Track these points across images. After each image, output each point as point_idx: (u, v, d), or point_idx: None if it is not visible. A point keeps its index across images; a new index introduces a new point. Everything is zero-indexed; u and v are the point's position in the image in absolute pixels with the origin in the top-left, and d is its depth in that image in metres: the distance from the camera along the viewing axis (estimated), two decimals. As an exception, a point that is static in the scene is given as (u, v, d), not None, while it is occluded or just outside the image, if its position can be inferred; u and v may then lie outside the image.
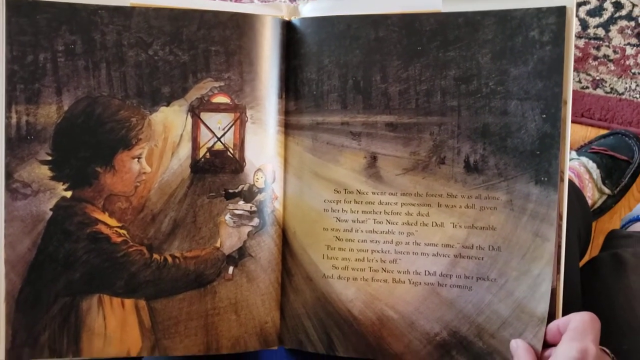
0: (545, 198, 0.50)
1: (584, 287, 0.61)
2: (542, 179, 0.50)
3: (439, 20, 0.51)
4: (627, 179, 1.01)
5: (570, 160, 1.00)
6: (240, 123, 0.53)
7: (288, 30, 0.54)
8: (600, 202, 1.01)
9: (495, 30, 0.50)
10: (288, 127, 0.54)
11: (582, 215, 0.68)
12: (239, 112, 0.53)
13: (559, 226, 0.49)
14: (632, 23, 1.05)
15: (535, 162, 0.50)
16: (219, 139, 0.53)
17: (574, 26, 0.49)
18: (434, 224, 0.52)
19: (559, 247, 0.50)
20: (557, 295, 0.50)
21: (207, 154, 0.53)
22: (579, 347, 0.43)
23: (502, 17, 0.50)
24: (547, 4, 0.49)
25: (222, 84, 0.52)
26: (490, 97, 0.50)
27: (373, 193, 0.53)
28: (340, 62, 0.53)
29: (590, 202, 0.99)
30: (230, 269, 0.54)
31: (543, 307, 0.49)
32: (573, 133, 1.06)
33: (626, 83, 1.05)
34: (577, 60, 1.07)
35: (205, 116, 0.53)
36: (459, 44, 0.51)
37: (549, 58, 0.49)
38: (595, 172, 0.99)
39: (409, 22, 0.51)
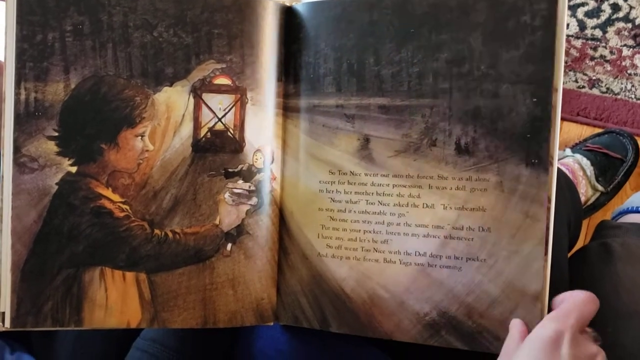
0: (536, 179, 0.49)
1: (573, 275, 0.60)
2: (533, 161, 0.49)
3: (431, 3, 0.50)
4: (620, 176, 1.01)
5: (565, 157, 0.99)
6: (240, 104, 0.53)
7: (288, 15, 0.53)
8: (594, 199, 1.00)
9: (487, 14, 0.49)
10: (286, 110, 0.54)
11: (572, 205, 0.68)
12: (239, 93, 0.52)
13: (548, 209, 0.49)
14: (629, 25, 1.04)
15: (526, 145, 0.49)
16: (219, 120, 0.53)
17: (565, 12, 0.48)
18: (425, 205, 0.51)
19: (547, 229, 0.49)
20: (545, 275, 0.49)
21: (208, 133, 0.53)
22: (555, 328, 0.42)
23: (494, 0, 0.49)
24: (539, -12, 0.48)
25: (223, 66, 0.52)
26: (482, 80, 0.50)
27: (366, 174, 0.53)
28: (335, 46, 0.52)
29: (583, 198, 0.98)
30: (229, 245, 0.54)
31: (536, 285, 0.49)
32: (568, 131, 1.06)
33: (622, 83, 1.04)
34: (574, 60, 1.06)
35: (206, 97, 0.52)
36: (451, 26, 0.50)
37: (540, 43, 0.48)
38: (589, 170, 0.98)
39: (402, 4, 0.51)
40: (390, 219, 0.52)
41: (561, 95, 0.48)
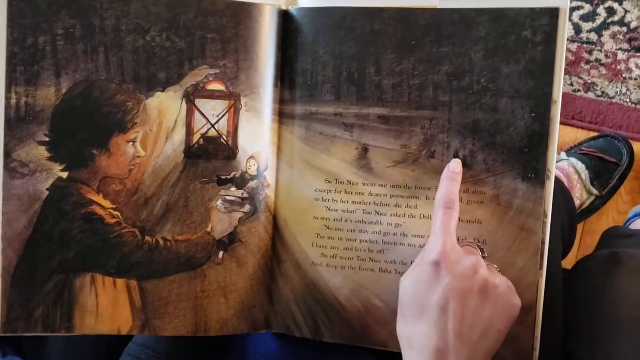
0: (533, 194, 0.48)
1: (578, 282, 0.59)
2: (530, 175, 0.48)
3: (434, 15, 0.49)
4: (615, 180, 1.00)
5: (560, 161, 0.98)
6: (234, 110, 0.51)
7: (285, 20, 0.52)
8: (589, 203, 0.99)
9: (489, 28, 0.48)
10: (282, 116, 0.52)
11: (566, 212, 0.66)
12: (233, 99, 0.51)
13: (544, 223, 0.48)
14: (624, 29, 1.02)
15: (523, 159, 0.48)
16: (213, 126, 0.51)
17: (566, 28, 0.47)
18: (422, 216, 0.50)
19: (543, 243, 0.48)
20: (539, 288, 0.49)
21: (201, 140, 0.51)
22: (435, 256, 0.44)
23: (496, 15, 0.48)
24: (541, 4, 0.47)
25: (217, 71, 0.50)
26: (482, 93, 0.48)
27: (363, 184, 0.51)
28: (335, 54, 0.51)
29: (578, 202, 0.97)
30: (221, 253, 0.52)
31: (530, 298, 0.48)
32: (564, 135, 1.04)
33: (617, 87, 1.03)
34: (570, 63, 1.05)
35: (200, 103, 0.51)
36: (452, 40, 0.49)
37: (541, 58, 0.47)
38: (584, 173, 0.97)
39: (405, 16, 0.49)
40: (387, 229, 0.51)
41: (560, 109, 0.47)
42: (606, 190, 0.99)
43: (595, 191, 0.97)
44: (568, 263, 0.93)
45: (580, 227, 1.01)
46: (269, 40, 0.51)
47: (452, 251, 0.44)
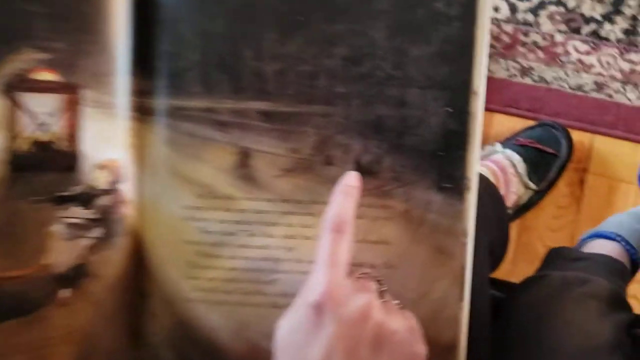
0: (450, 207, 0.40)
1: (519, 306, 0.53)
2: (446, 185, 0.40)
3: None
4: (553, 173, 0.96)
5: (495, 153, 0.91)
6: (73, 107, 0.40)
7: (141, -10, 0.41)
8: (526, 198, 0.94)
9: (393, 0, 0.39)
10: (141, 112, 0.41)
11: (496, 220, 0.58)
12: (71, 92, 0.40)
13: (464, 244, 0.40)
14: (562, 9, 0.96)
15: (438, 165, 0.40)
16: (43, 128, 0.40)
17: (488, 1, 0.39)
18: (318, 237, 0.41)
19: (463, 268, 0.40)
20: (460, 322, 0.41)
21: (29, 146, 0.40)
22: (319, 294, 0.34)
23: None
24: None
25: (47, 56, 0.39)
26: (385, 83, 0.40)
27: (245, 199, 0.41)
28: (199, 32, 0.40)
29: (514, 197, 0.91)
30: (65, 291, 0.41)
31: (450, 333, 0.41)
32: (498, 124, 0.99)
33: (554, 72, 0.98)
34: (506, 47, 0.98)
35: (24, 98, 0.39)
36: (348, 14, 0.39)
37: (457, 37, 0.39)
38: (521, 166, 0.92)
39: None
40: (277, 254, 0.42)
41: (483, 102, 0.38)
42: (544, 183, 0.94)
43: (532, 185, 0.93)
44: (507, 262, 0.86)
45: (516, 223, 0.95)
46: (120, 15, 0.40)
47: (337, 290, 0.34)
